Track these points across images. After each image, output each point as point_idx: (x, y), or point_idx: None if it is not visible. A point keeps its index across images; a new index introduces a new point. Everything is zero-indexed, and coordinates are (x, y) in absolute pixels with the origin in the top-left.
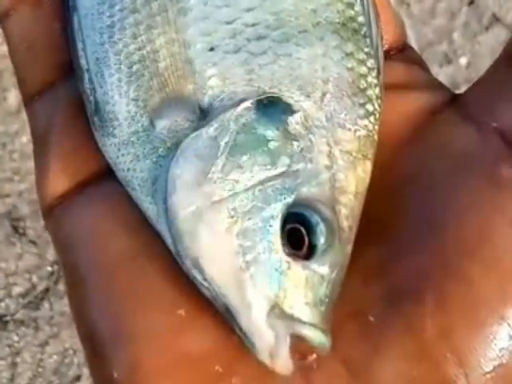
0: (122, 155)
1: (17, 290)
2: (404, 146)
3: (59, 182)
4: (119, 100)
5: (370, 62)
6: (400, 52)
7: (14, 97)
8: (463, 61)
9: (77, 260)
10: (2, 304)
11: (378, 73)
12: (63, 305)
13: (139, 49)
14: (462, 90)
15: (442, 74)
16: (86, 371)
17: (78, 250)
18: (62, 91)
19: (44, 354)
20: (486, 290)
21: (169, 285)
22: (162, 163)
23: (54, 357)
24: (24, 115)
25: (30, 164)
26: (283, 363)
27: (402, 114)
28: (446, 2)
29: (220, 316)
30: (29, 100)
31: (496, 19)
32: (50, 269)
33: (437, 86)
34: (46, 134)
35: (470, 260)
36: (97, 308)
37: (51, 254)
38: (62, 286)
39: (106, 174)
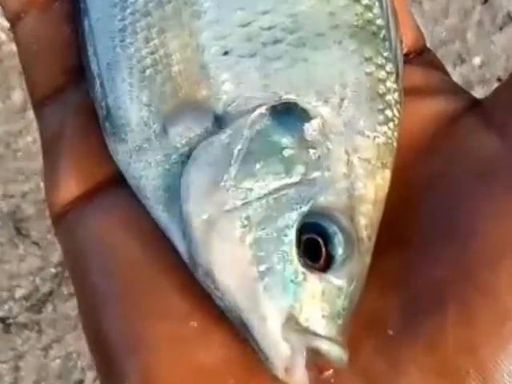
0: (134, 162)
1: (20, 292)
2: (424, 152)
3: (69, 189)
4: (131, 106)
5: (389, 67)
6: (419, 55)
7: (18, 96)
8: (477, 60)
9: (87, 269)
10: (6, 306)
11: (397, 77)
12: (67, 308)
13: (152, 53)
14: (475, 90)
15: (455, 74)
16: (89, 375)
17: (88, 259)
18: (72, 96)
19: (47, 357)
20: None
21: (181, 295)
22: (175, 171)
23: (58, 360)
24: (29, 115)
25: (35, 164)
26: (299, 378)
27: (421, 120)
28: (459, 1)
29: (233, 328)
30: (39, 104)
31: (511, 18)
32: (53, 271)
33: (458, 90)
34: (56, 140)
35: (495, 271)
36: (108, 318)
37: (55, 255)
38: (65, 289)
39: (117, 181)
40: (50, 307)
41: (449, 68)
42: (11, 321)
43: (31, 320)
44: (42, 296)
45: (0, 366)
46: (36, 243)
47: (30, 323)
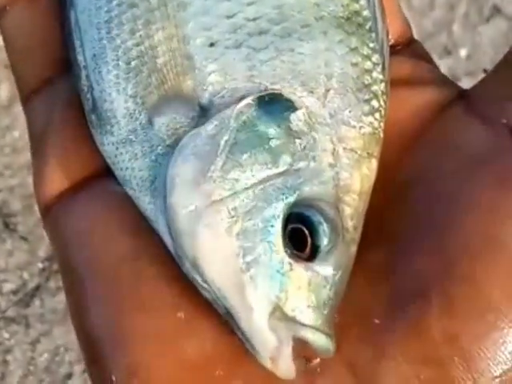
0: (120, 154)
1: (8, 286)
2: (410, 143)
3: (57, 181)
4: (117, 97)
5: (375, 57)
6: (406, 46)
7: (5, 90)
8: (463, 52)
9: (75, 261)
10: None
11: (384, 68)
12: (54, 302)
13: (137, 44)
14: (462, 82)
15: (441, 66)
16: (77, 369)
17: (76, 251)
18: (59, 88)
19: (35, 351)
20: (494, 292)
21: (168, 287)
22: (161, 162)
23: (45, 355)
24: (15, 109)
25: (22, 159)
26: (285, 367)
27: (408, 111)
28: None
29: (220, 319)
30: (26, 97)
31: (497, 10)
32: (41, 265)
33: (444, 81)
34: (44, 133)
35: (477, 262)
36: (95, 310)
37: (42, 250)
38: (53, 283)
39: (104, 173)
40: (37, 301)
41: (435, 60)
42: None
43: (19, 314)
44: (29, 290)
45: None
46: (24, 238)
47: (17, 317)
